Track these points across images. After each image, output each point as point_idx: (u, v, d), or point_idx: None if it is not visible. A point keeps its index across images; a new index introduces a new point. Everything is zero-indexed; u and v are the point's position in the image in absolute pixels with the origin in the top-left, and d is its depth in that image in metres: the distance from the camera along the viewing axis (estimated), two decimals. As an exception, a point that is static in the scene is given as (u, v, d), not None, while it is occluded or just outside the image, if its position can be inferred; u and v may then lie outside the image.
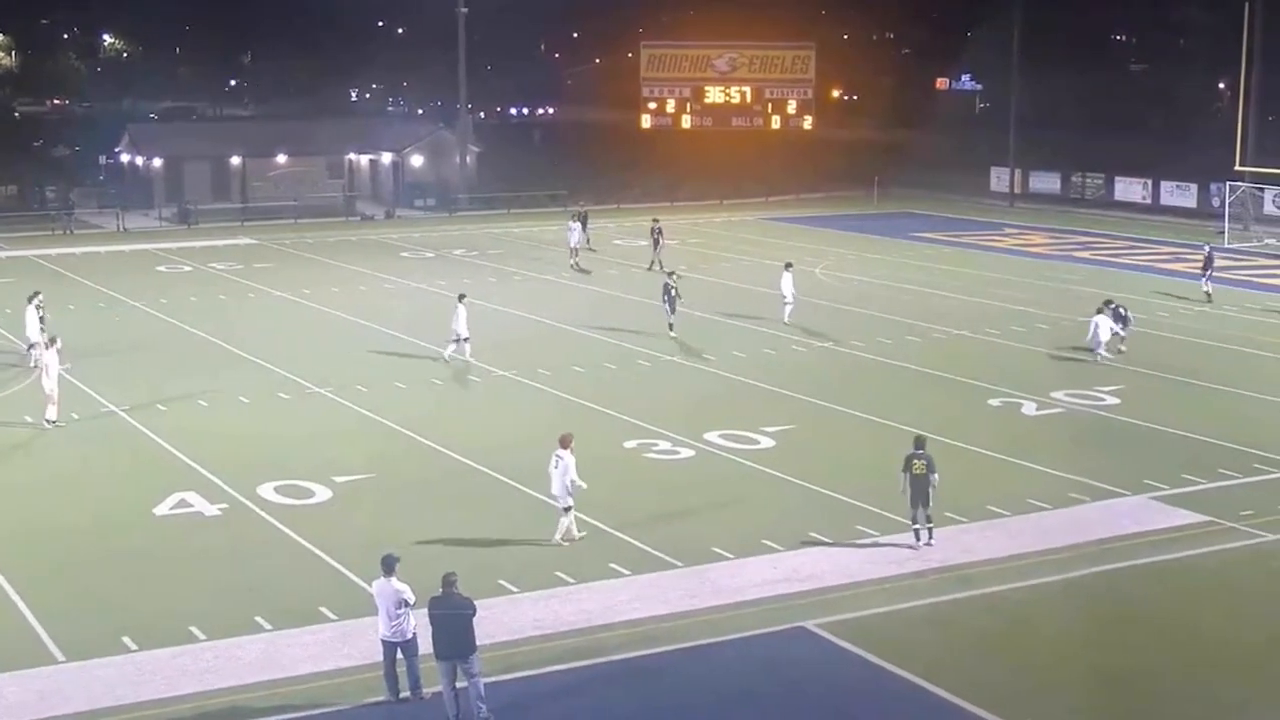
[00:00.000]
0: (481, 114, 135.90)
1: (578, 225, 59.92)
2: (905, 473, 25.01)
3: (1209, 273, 50.69)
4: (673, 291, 43.84)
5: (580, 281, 54.67)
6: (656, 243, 57.74)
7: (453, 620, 18.58)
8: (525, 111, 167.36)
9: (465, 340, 39.58)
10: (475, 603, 18.97)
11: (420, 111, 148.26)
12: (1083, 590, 23.42)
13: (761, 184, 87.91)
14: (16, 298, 51.45)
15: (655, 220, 60.03)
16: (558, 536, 25.18)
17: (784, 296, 45.55)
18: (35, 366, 36.20)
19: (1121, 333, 40.34)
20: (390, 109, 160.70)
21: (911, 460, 24.94)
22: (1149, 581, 23.86)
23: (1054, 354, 41.06)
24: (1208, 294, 50.28)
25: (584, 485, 25.26)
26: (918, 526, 25.09)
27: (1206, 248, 52.92)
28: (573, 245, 59.02)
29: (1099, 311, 39.94)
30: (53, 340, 34.01)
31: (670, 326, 43.49)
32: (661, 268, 55.25)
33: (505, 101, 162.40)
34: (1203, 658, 20.93)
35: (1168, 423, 33.34)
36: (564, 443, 25.34)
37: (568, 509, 25.21)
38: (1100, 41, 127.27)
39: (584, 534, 25.46)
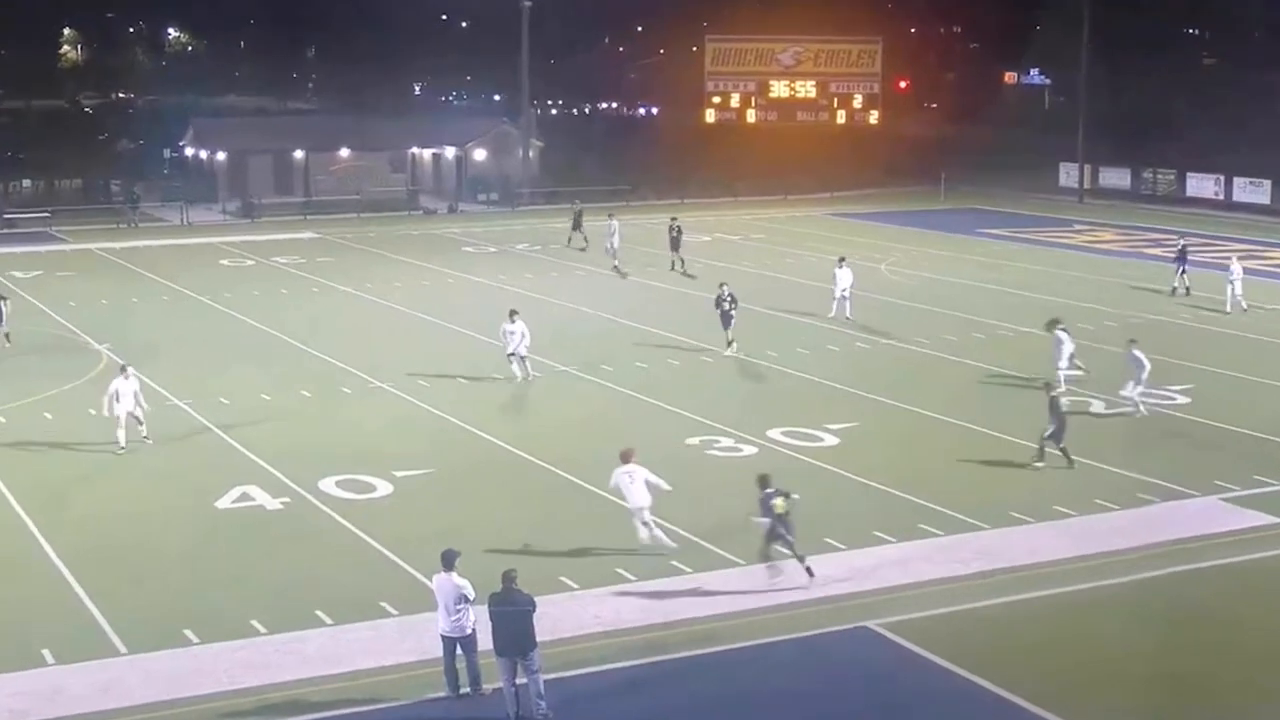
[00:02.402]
0: (549, 103, 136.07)
1: (616, 223, 57.83)
2: (767, 516, 23.24)
3: (1183, 266, 49.87)
4: (726, 304, 40.77)
5: (643, 276, 54.64)
6: (675, 242, 56.29)
7: (513, 617, 18.64)
8: (589, 107, 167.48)
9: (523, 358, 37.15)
10: (535, 599, 19.04)
11: (483, 100, 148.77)
12: (1149, 592, 23.22)
13: (826, 179, 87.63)
14: (80, 290, 52.19)
15: (674, 219, 58.59)
16: (645, 537, 24.61)
17: (838, 291, 45.34)
18: None
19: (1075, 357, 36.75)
20: (453, 102, 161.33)
21: (770, 501, 23.22)
22: (1217, 584, 23.62)
23: (1123, 352, 40.61)
24: (1178, 289, 49.51)
25: (669, 488, 25.01)
26: (800, 557, 23.25)
27: (1180, 241, 52.11)
28: (613, 246, 56.83)
29: (1055, 328, 36.47)
30: (123, 368, 32.40)
31: (729, 343, 40.47)
32: (683, 268, 54.94)
33: (568, 96, 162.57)
34: (1271, 664, 20.68)
35: (1240, 422, 32.98)
36: (627, 458, 24.86)
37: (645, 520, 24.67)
38: (1172, 34, 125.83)
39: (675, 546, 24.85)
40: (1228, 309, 46.50)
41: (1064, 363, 35.47)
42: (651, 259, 58.37)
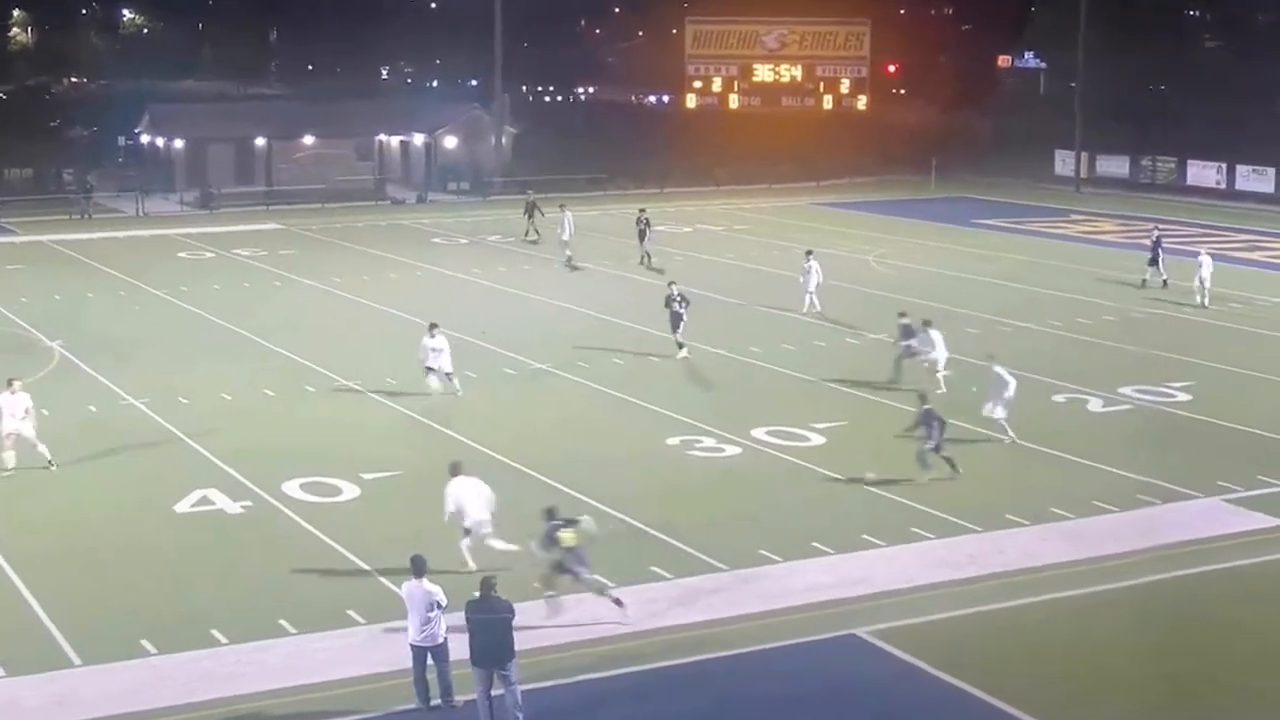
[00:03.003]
0: (523, 90, 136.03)
1: (569, 215, 56.94)
2: (551, 550, 22.11)
3: (1159, 257, 49.86)
4: (676, 304, 39.83)
5: (620, 270, 54.64)
6: (643, 235, 56.09)
7: (493, 625, 18.61)
8: (564, 91, 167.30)
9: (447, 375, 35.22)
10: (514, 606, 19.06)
11: (455, 86, 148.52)
12: (1149, 597, 23.31)
13: (812, 168, 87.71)
14: (31, 284, 52.00)
15: (642, 210, 58.37)
16: (472, 563, 23.60)
17: (808, 286, 45.31)
18: None
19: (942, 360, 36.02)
20: (419, 85, 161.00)
21: (555, 534, 22.12)
22: (1220, 588, 23.72)
23: (1122, 347, 40.84)
24: (1154, 281, 49.51)
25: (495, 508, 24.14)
26: (607, 589, 22.11)
27: (1155, 231, 52.22)
28: (565, 237, 56.34)
29: (929, 328, 36.22)
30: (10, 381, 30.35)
31: (679, 346, 39.70)
32: (650, 261, 54.80)
33: (543, 81, 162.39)
34: (1274, 666, 20.77)
35: (1243, 421, 33.10)
36: (457, 470, 24.29)
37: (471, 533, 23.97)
38: (1172, 17, 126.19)
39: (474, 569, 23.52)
40: (1198, 301, 46.54)
41: (942, 363, 35.35)
42: (632, 251, 58.36)
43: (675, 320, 39.83)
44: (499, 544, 23.77)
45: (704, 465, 30.23)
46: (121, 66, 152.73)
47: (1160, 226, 54.99)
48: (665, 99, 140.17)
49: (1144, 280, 49.98)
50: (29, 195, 77.88)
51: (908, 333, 36.54)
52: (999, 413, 31.28)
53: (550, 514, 22.46)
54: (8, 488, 28.70)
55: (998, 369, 31.74)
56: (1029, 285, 51.09)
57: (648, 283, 51.92)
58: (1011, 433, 31.26)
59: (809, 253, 46.81)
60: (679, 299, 39.92)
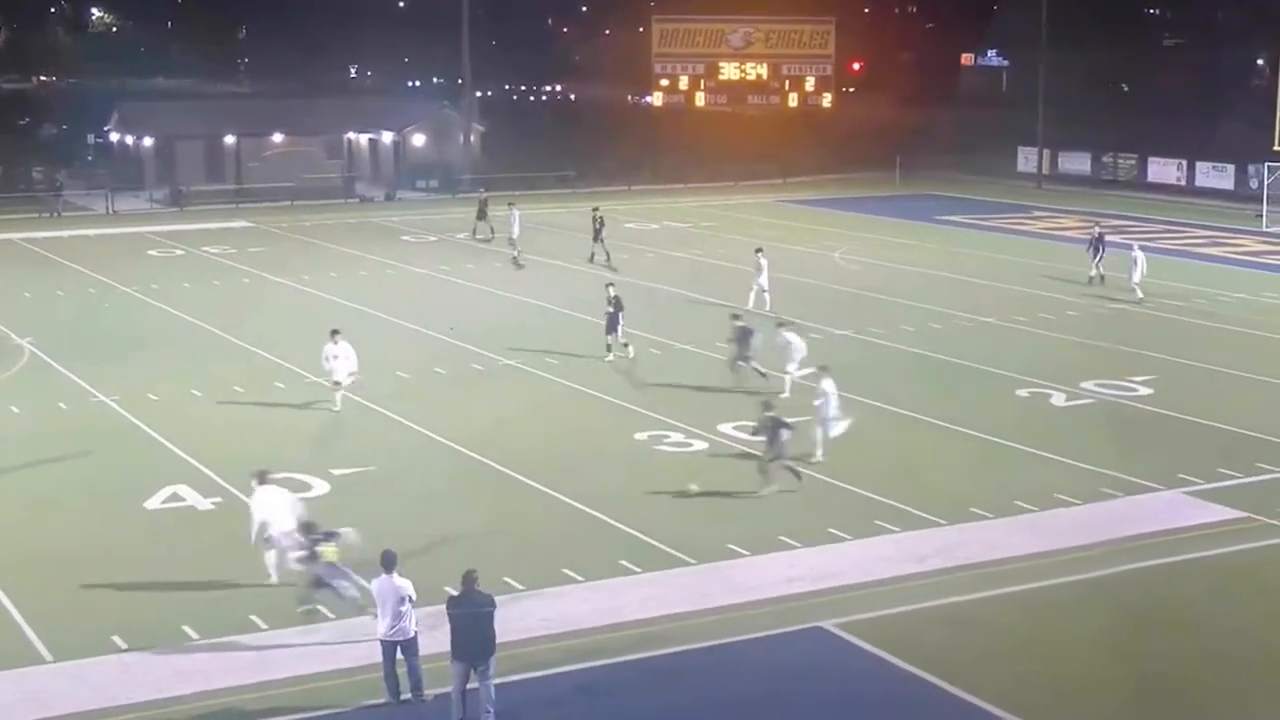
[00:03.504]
0: (487, 92, 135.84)
1: (517, 213, 56.68)
2: (310, 564, 21.21)
3: (1100, 254, 49.83)
4: (611, 308, 38.87)
5: (589, 267, 54.59)
6: (597, 233, 55.58)
7: (478, 620, 18.55)
8: (533, 90, 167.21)
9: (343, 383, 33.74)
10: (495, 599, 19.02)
11: (417, 86, 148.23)
12: (1112, 589, 23.39)
13: (778, 164, 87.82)
14: (0, 282, 51.70)
15: (596, 209, 58.04)
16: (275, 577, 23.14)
17: (761, 285, 44.89)
18: None
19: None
20: (387, 84, 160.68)
21: (317, 548, 21.32)
22: (1181, 580, 23.81)
23: (1085, 342, 40.99)
24: (1097, 277, 49.53)
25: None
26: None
27: (1096, 228, 52.08)
28: (513, 235, 56.10)
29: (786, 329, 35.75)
30: None
31: (608, 348, 38.76)
32: (608, 260, 54.37)
33: (511, 79, 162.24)
34: (1236, 659, 20.87)
35: (1203, 414, 33.26)
36: (264, 478, 23.76)
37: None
38: (1133, 15, 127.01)
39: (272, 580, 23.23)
40: (1138, 296, 46.59)
41: (793, 365, 34.40)
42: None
43: (611, 323, 38.88)
44: (298, 563, 22.58)
45: (672, 460, 30.23)
46: (91, 65, 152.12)
47: (1101, 223, 54.95)
48: (631, 98, 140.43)
49: (1090, 278, 49.95)
50: (-2, 194, 77.45)
51: (744, 335, 35.39)
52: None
53: (308, 529, 21.73)
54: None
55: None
56: (992, 281, 51.23)
57: (617, 280, 51.82)
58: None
59: (759, 249, 46.58)
60: (613, 301, 38.90)
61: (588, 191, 79.74)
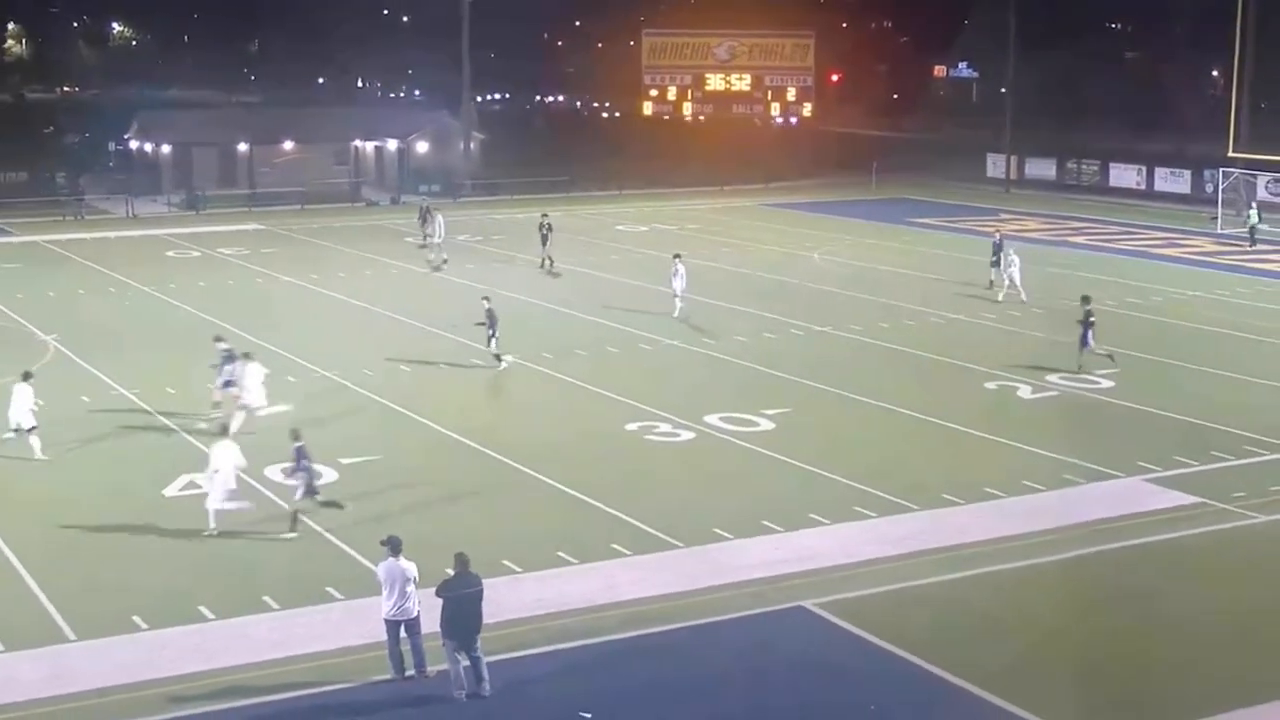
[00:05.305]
0: (490, 96, 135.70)
1: (440, 218, 56.00)
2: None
3: (1000, 259, 48.01)
4: (485, 319, 37.20)
5: (582, 266, 54.56)
6: (545, 239, 54.21)
7: (470, 600, 18.63)
8: (528, 99, 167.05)
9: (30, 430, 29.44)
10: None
11: (418, 94, 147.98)
12: (1076, 570, 23.46)
13: (761, 170, 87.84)
14: (26, 282, 51.61)
15: (544, 215, 56.70)
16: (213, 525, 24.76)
17: (677, 288, 43.81)
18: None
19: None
20: (392, 94, 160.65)
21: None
22: (1141, 562, 23.88)
23: (1049, 338, 41.03)
24: (999, 281, 47.58)
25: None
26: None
27: (996, 235, 50.78)
28: (434, 239, 55.42)
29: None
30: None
31: (497, 358, 37.08)
32: (552, 265, 53.28)
33: (509, 89, 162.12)
34: (1194, 637, 20.95)
35: (1161, 406, 33.34)
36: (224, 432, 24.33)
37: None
38: (1096, 29, 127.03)
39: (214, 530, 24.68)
40: (1023, 297, 45.95)
41: (255, 403, 31.32)
42: (589, 249, 58.38)
43: (488, 335, 37.18)
44: (228, 505, 25.06)
45: (661, 449, 30.26)
46: (111, 76, 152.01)
47: (1001, 230, 54.28)
48: (620, 110, 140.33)
49: (991, 282, 48.31)
50: (24, 198, 77.14)
51: (229, 359, 32.42)
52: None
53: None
54: (5, 473, 28.50)
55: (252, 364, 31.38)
56: (962, 279, 51.23)
57: (609, 279, 51.91)
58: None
59: (676, 256, 45.58)
60: (486, 314, 37.17)
61: (581, 195, 79.70)
